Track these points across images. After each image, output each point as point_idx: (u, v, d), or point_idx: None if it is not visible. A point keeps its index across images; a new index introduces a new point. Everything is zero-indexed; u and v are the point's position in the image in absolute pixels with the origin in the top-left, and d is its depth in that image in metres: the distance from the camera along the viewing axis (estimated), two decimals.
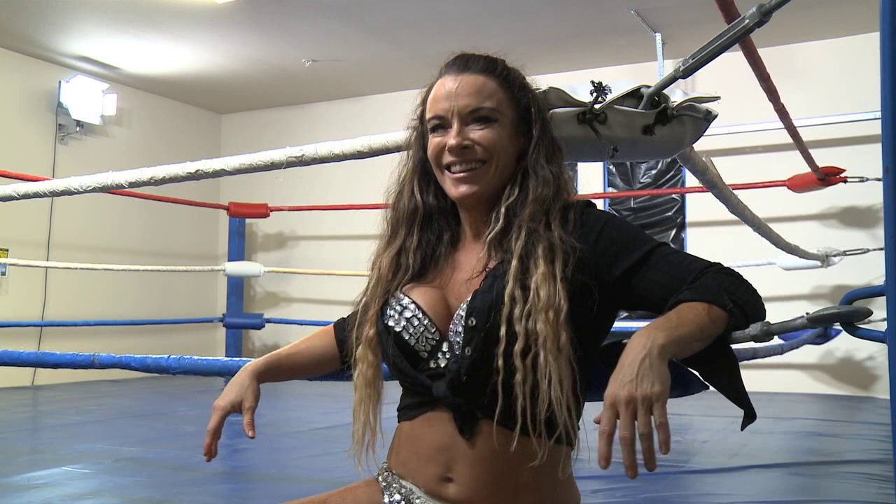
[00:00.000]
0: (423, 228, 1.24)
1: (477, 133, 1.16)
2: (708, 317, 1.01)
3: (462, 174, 1.17)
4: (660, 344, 0.95)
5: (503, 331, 1.07)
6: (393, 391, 1.23)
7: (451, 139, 1.16)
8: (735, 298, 1.04)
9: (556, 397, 1.04)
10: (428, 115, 1.21)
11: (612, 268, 1.11)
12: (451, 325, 1.14)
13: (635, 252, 1.12)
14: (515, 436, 1.07)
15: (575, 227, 1.14)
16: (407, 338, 1.15)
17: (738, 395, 1.06)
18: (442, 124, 1.19)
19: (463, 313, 1.12)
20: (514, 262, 1.10)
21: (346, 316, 1.32)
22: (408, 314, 1.16)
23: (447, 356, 1.13)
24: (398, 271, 1.22)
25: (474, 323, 1.10)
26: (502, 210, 1.17)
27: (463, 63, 1.20)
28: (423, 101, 1.24)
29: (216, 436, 1.24)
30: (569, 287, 1.08)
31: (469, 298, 1.13)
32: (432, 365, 1.14)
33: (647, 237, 1.16)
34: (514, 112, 1.20)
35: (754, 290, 1.08)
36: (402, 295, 1.19)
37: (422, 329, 1.15)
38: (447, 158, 1.17)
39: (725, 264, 1.11)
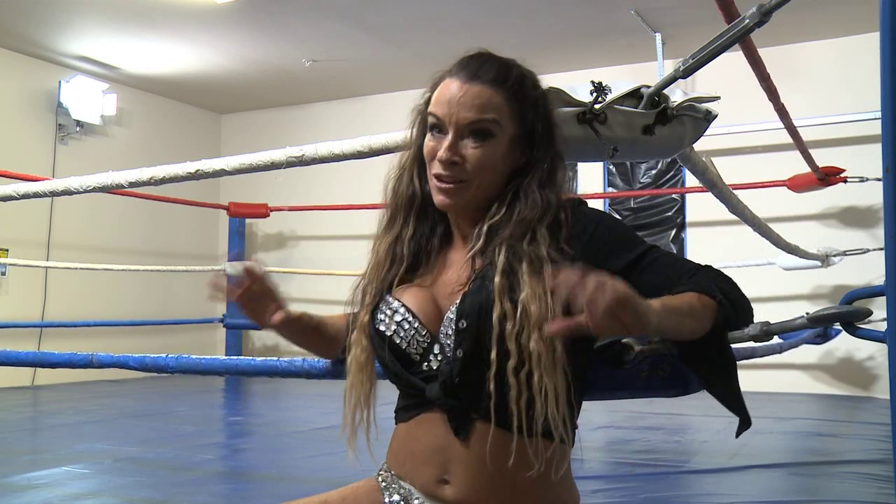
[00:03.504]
0: (419, 218, 1.23)
1: (470, 150, 1.14)
2: (699, 301, 1.02)
3: (443, 186, 1.15)
4: (651, 302, 0.94)
5: (494, 353, 1.06)
6: (392, 391, 1.23)
7: (443, 151, 1.14)
8: (725, 292, 1.04)
9: (552, 414, 1.05)
10: (429, 109, 1.18)
11: (603, 268, 1.11)
12: (441, 328, 1.14)
13: (628, 253, 1.11)
14: (514, 440, 1.07)
15: (567, 229, 1.13)
16: (398, 341, 1.15)
17: (734, 401, 1.07)
18: (439, 127, 1.16)
19: (453, 316, 1.12)
20: (498, 279, 1.08)
21: (350, 311, 1.31)
22: (398, 318, 1.16)
23: (439, 358, 1.13)
24: (394, 261, 1.22)
25: (465, 325, 1.10)
26: (484, 229, 1.15)
27: (475, 69, 1.15)
28: (432, 89, 1.20)
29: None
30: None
31: (458, 301, 1.12)
32: (425, 367, 1.14)
33: (639, 239, 1.15)
34: (516, 128, 1.16)
35: (743, 293, 1.08)
36: (391, 298, 1.18)
37: (413, 332, 1.15)
38: (435, 167, 1.16)
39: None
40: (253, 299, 1.23)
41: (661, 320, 0.93)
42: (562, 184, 1.19)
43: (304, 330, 1.32)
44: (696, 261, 1.14)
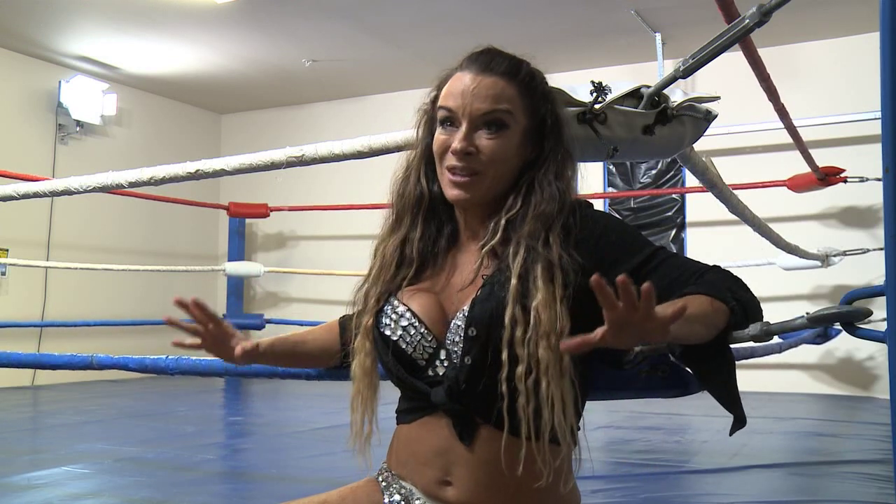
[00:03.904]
0: (427, 219, 1.22)
1: (484, 141, 1.13)
2: (711, 307, 1.01)
3: (458, 178, 1.14)
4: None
5: (505, 355, 1.05)
6: (393, 390, 1.23)
7: (457, 142, 1.13)
8: (737, 296, 1.04)
9: (559, 423, 1.04)
10: (439, 104, 1.18)
11: (611, 272, 1.11)
12: (448, 334, 1.13)
13: (635, 256, 1.11)
14: (522, 446, 1.06)
15: (575, 232, 1.13)
16: (404, 346, 1.14)
17: (731, 399, 1.07)
18: (451, 120, 1.16)
19: (461, 323, 1.11)
20: (514, 282, 1.07)
21: (350, 313, 1.30)
22: (404, 322, 1.15)
23: (445, 364, 1.13)
24: (402, 263, 1.21)
25: (475, 333, 1.09)
26: (502, 222, 1.14)
27: (486, 62, 1.16)
28: (438, 88, 1.21)
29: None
30: (570, 305, 1.06)
31: (467, 307, 1.11)
32: (430, 373, 1.14)
33: (646, 240, 1.15)
34: (528, 121, 1.17)
35: (752, 292, 1.08)
36: (397, 302, 1.17)
37: (419, 338, 1.14)
38: (449, 159, 1.15)
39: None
40: (216, 342, 1.22)
41: (676, 330, 0.91)
42: (570, 180, 1.19)
43: (280, 356, 1.32)
44: (700, 261, 1.14)
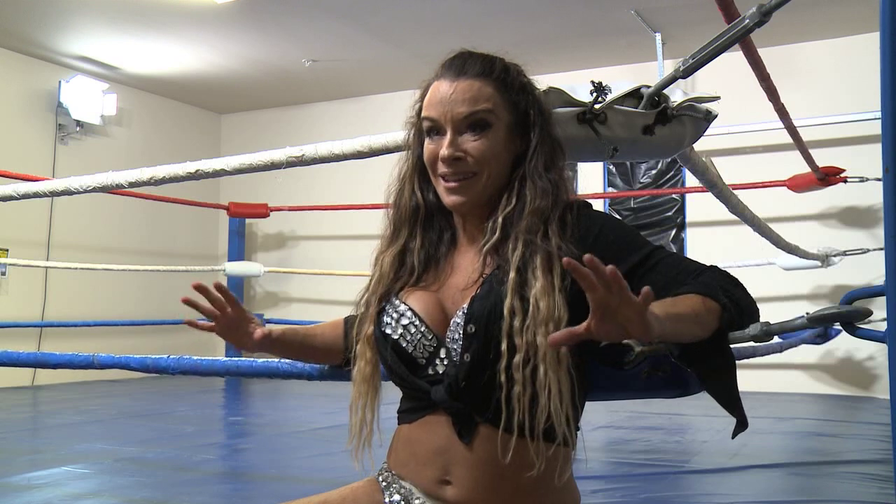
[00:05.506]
0: (426, 228, 1.24)
1: (470, 143, 1.15)
2: (703, 305, 1.01)
3: (453, 184, 1.16)
4: (654, 311, 0.91)
5: (504, 345, 1.06)
6: (394, 391, 1.23)
7: (444, 149, 1.15)
8: (730, 295, 1.04)
9: (556, 410, 1.05)
10: (423, 115, 1.19)
11: None
12: (448, 332, 1.14)
13: (633, 255, 1.11)
14: (513, 440, 1.07)
15: (573, 230, 1.14)
16: (405, 345, 1.15)
17: (732, 402, 1.07)
18: (436, 129, 1.17)
19: (460, 321, 1.12)
20: (512, 274, 1.08)
21: (355, 313, 1.31)
22: (405, 321, 1.16)
23: (445, 362, 1.13)
24: (401, 271, 1.22)
25: (473, 330, 1.10)
26: (499, 221, 1.15)
27: (460, 66, 1.18)
28: (420, 98, 1.23)
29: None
30: (568, 296, 1.07)
31: (467, 305, 1.12)
32: (430, 371, 1.14)
33: (644, 240, 1.15)
34: (511, 115, 1.18)
35: (748, 293, 1.08)
36: (398, 301, 1.18)
37: (419, 336, 1.15)
38: (440, 168, 1.16)
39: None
40: (231, 326, 1.25)
41: (663, 328, 0.90)
42: (562, 171, 1.20)
43: (290, 346, 1.34)
44: (698, 261, 1.14)
